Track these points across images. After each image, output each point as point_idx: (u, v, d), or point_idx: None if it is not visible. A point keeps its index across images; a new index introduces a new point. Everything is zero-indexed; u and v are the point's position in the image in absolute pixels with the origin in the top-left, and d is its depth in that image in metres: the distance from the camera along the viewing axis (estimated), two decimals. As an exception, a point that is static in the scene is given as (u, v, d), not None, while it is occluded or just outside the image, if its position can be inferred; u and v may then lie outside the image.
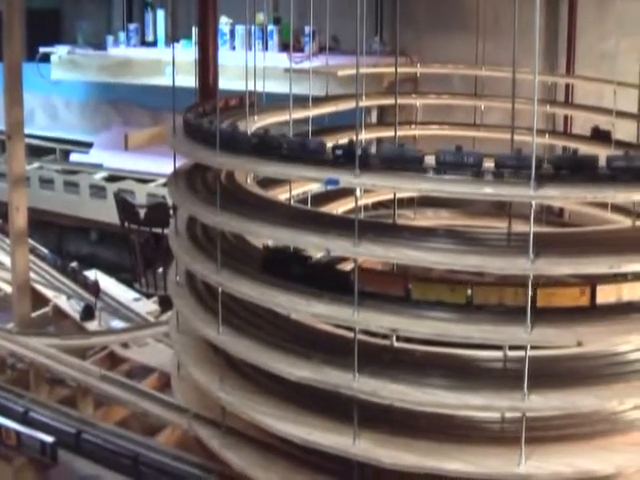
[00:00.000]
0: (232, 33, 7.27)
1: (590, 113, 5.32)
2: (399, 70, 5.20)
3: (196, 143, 3.20)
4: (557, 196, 2.67)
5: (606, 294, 2.60)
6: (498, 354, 2.81)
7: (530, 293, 2.51)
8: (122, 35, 8.03)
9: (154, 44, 7.96)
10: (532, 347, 2.55)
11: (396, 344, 2.94)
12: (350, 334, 2.71)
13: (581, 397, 2.56)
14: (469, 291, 2.61)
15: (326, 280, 2.79)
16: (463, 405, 2.58)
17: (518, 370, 2.55)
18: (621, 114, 4.65)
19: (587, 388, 2.59)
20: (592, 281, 2.62)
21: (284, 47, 6.92)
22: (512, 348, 2.73)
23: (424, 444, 2.63)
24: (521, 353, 2.55)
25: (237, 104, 3.70)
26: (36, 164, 7.90)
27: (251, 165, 2.97)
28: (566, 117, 6.05)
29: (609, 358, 2.79)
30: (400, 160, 2.66)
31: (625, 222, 4.18)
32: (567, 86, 6.12)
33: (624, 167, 2.53)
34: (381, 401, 2.62)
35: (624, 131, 4.61)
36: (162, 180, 6.73)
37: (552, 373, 2.68)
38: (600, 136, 4.60)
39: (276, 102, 4.23)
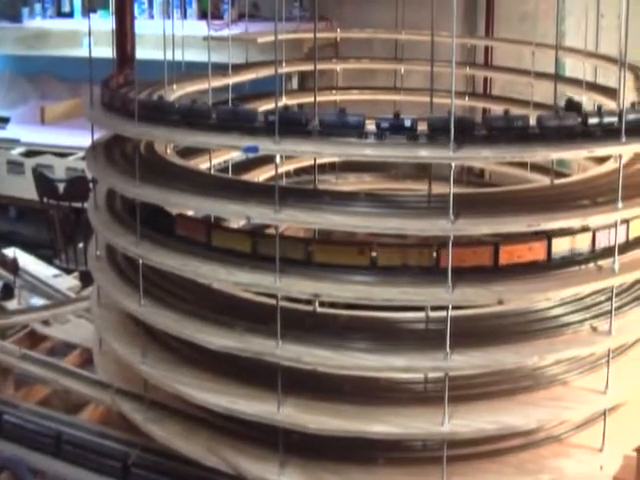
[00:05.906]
0: (150, 2, 7.15)
1: (509, 75, 5.37)
2: (319, 35, 5.16)
3: (114, 114, 3.12)
4: (475, 157, 2.69)
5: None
6: (420, 315, 2.81)
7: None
8: (38, 6, 7.84)
9: (71, 15, 7.79)
10: (454, 307, 2.56)
11: (319, 309, 2.93)
12: (273, 301, 2.68)
13: (503, 354, 2.59)
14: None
15: (159, 224, 2.95)
16: (386, 367, 2.58)
17: (440, 330, 2.56)
18: (539, 75, 4.68)
19: (508, 345, 2.62)
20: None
21: (203, 15, 6.82)
22: (434, 309, 2.74)
23: (349, 408, 2.62)
24: (443, 313, 2.56)
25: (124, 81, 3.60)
26: (-49, 141, 7.67)
27: (170, 135, 2.91)
28: (485, 79, 6.09)
29: (529, 315, 2.82)
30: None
31: (544, 181, 4.22)
32: (486, 48, 6.16)
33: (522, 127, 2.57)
34: (305, 367, 2.61)
35: (542, 92, 4.65)
36: (81, 154, 6.59)
37: (474, 332, 2.70)
38: (573, 107, 4.63)
39: (195, 71, 4.15)
